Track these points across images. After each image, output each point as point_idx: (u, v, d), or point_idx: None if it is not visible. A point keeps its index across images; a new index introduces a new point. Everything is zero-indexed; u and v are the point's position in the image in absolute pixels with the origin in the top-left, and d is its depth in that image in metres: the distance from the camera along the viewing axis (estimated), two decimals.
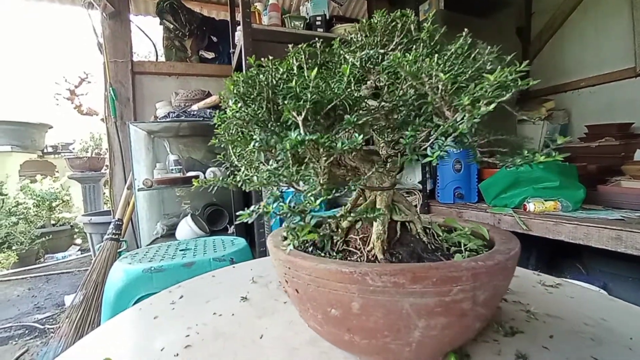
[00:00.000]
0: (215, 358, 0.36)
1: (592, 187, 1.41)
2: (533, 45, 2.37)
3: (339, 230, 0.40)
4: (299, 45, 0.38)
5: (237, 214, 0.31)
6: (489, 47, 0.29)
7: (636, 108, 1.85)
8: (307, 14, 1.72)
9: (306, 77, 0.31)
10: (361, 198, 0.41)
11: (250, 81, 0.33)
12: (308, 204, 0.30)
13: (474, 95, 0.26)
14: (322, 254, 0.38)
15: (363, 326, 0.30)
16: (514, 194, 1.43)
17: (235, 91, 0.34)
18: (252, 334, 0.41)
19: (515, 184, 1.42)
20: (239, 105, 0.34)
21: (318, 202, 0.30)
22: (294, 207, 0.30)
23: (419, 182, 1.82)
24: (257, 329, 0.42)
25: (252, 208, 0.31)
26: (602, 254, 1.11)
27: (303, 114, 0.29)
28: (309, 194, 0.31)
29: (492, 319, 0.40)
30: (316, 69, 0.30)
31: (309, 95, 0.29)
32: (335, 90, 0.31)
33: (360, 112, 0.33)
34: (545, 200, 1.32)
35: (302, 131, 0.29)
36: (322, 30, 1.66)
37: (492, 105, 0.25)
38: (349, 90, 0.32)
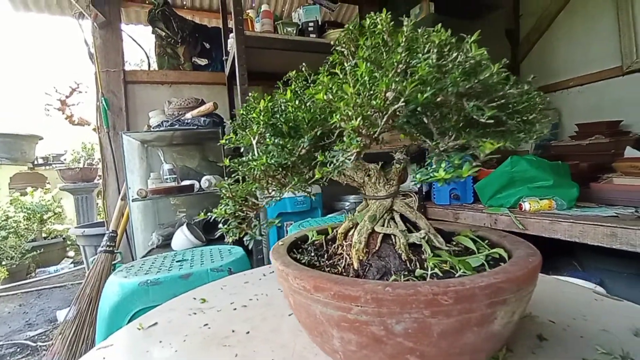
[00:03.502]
0: (250, 317, 0.49)
1: (584, 184, 1.43)
2: (522, 46, 2.41)
3: (338, 235, 0.41)
4: (288, 74, 0.42)
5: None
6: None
7: (624, 106, 1.89)
8: (300, 20, 1.73)
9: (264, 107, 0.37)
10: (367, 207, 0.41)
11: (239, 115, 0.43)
12: (239, 212, 0.37)
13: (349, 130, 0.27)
14: (314, 257, 0.40)
15: (301, 320, 0.34)
16: (510, 193, 1.44)
17: (233, 124, 0.42)
18: (287, 310, 0.50)
19: (511, 184, 1.43)
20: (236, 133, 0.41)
21: (223, 209, 0.36)
22: (234, 213, 0.37)
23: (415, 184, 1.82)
24: None
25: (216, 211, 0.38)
26: (597, 250, 1.12)
27: (256, 137, 0.36)
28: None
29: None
30: (262, 100, 0.36)
31: (261, 123, 0.35)
32: (278, 116, 0.36)
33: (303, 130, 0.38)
34: (540, 199, 1.33)
35: (255, 152, 0.36)
36: (314, 36, 1.67)
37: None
38: (290, 113, 0.36)
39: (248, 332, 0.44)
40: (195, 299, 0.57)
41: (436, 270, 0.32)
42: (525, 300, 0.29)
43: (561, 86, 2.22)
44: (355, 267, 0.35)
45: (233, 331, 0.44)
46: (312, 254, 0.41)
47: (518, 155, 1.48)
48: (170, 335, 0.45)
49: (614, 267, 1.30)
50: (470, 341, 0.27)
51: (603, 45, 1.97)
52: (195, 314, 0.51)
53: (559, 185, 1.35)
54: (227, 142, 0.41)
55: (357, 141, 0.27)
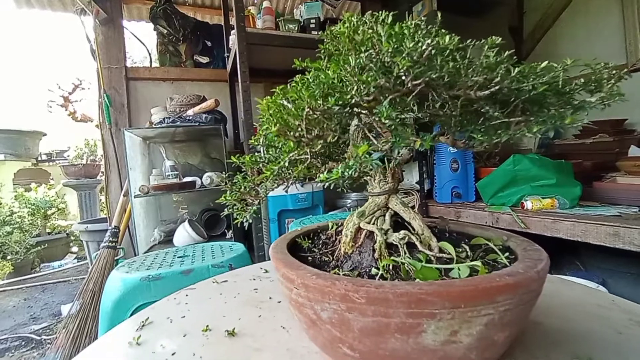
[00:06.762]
0: (260, 301, 0.53)
1: (588, 183, 1.42)
2: (526, 44, 2.39)
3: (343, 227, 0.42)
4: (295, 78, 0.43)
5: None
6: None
7: (629, 104, 1.85)
8: (301, 16, 1.73)
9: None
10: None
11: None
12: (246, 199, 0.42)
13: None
14: (318, 245, 0.43)
15: (290, 302, 0.36)
16: (512, 192, 1.43)
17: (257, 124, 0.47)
18: None
19: (513, 182, 1.43)
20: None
21: (220, 199, 0.42)
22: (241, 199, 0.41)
23: (416, 182, 1.82)
24: None
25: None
26: (600, 250, 1.12)
27: (261, 138, 0.41)
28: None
29: None
30: (264, 101, 0.39)
31: (271, 122, 0.38)
32: (279, 116, 0.38)
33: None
34: (543, 198, 1.32)
35: (262, 151, 0.39)
36: (316, 32, 1.66)
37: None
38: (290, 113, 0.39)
39: (279, 302, 0.51)
40: (261, 269, 0.68)
41: (382, 272, 0.32)
42: (477, 322, 0.24)
43: None
44: (340, 259, 0.37)
45: (270, 298, 0.53)
46: (320, 242, 0.43)
47: (521, 153, 1.47)
48: (229, 291, 0.57)
49: (617, 266, 1.30)
50: (397, 348, 0.26)
51: (607, 42, 1.95)
52: (254, 280, 0.63)
53: (561, 184, 1.34)
54: (256, 142, 0.46)
55: (292, 144, 0.31)
